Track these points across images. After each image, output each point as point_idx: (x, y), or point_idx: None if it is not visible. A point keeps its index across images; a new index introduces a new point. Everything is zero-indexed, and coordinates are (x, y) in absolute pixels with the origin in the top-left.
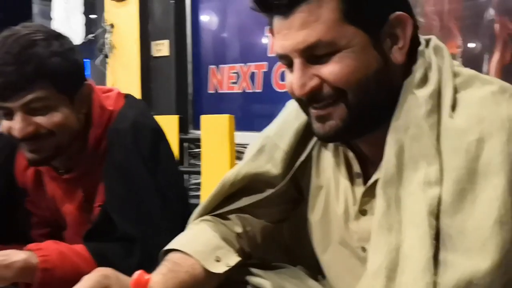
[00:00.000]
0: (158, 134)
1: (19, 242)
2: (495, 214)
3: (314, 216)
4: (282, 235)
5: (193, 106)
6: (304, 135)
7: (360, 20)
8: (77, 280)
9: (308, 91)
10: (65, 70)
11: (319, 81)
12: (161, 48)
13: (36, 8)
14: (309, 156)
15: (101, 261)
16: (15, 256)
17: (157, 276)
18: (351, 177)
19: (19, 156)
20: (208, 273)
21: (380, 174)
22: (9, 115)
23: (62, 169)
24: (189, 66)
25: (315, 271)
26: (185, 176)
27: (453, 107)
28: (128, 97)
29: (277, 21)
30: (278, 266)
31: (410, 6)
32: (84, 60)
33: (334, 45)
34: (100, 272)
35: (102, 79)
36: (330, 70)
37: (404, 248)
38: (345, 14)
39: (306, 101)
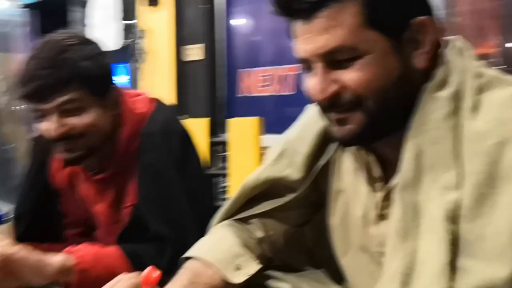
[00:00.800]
0: (187, 138)
1: (53, 241)
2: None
3: (334, 220)
4: (305, 239)
5: (223, 109)
6: (325, 140)
7: (382, 25)
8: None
9: (328, 96)
10: (96, 73)
11: (339, 86)
12: (193, 52)
13: (71, 16)
14: (330, 160)
15: (135, 261)
16: (53, 258)
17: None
18: (371, 181)
19: (54, 159)
20: (227, 283)
21: (398, 179)
22: (43, 117)
23: (94, 169)
24: (221, 70)
25: (338, 275)
26: (216, 179)
27: (474, 109)
28: (157, 101)
29: (298, 25)
30: (300, 269)
31: (432, 10)
32: (123, 64)
33: (356, 50)
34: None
35: (136, 83)
36: (351, 76)
37: (420, 253)
38: (366, 19)
39: (326, 106)
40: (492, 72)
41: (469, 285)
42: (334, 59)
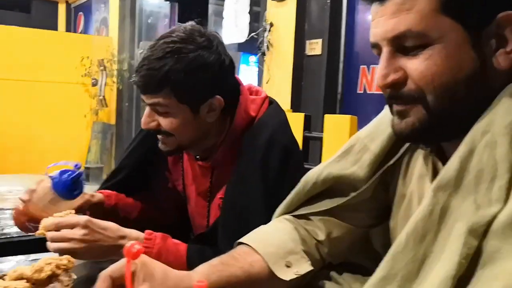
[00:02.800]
0: (290, 151)
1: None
2: None
3: (393, 224)
4: (375, 241)
5: (341, 105)
6: (397, 140)
7: (460, 13)
8: None
9: (389, 83)
10: (188, 85)
11: (403, 74)
12: (315, 47)
13: (211, 8)
14: (399, 163)
15: (192, 265)
16: (130, 234)
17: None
18: None
19: None
20: (272, 276)
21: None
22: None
23: (198, 155)
24: (341, 66)
25: None
26: None
27: None
28: (271, 104)
29: (374, 7)
30: (363, 272)
31: None
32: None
33: (425, 37)
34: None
35: (260, 75)
36: (416, 66)
37: (429, 261)
38: (442, 4)
39: (388, 96)
40: None
41: None
42: (402, 45)
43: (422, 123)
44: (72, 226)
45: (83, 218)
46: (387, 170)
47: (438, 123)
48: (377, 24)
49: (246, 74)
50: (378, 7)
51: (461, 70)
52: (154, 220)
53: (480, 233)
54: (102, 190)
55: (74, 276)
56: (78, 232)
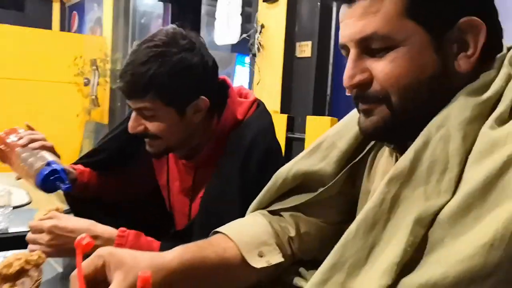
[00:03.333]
0: (271, 155)
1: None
2: (489, 235)
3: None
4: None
5: (330, 107)
6: (364, 138)
7: (424, 18)
8: None
9: (355, 83)
10: (173, 87)
11: (369, 75)
12: (305, 49)
13: (204, 9)
14: (365, 160)
15: None
16: (104, 231)
17: (179, 247)
18: None
19: None
20: (244, 264)
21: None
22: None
23: (182, 156)
24: (330, 68)
25: None
26: None
27: (501, 120)
28: (258, 107)
29: (342, 9)
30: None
31: (492, 10)
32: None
33: (391, 39)
34: (96, 254)
35: (251, 77)
36: (381, 67)
37: (378, 249)
38: (407, 8)
39: (354, 95)
40: None
41: (412, 283)
42: (369, 47)
43: (386, 122)
44: (40, 231)
45: (47, 224)
46: (354, 166)
47: (401, 123)
48: (345, 26)
49: (242, 74)
50: (347, 9)
51: (424, 72)
52: (130, 210)
53: (427, 223)
54: (77, 166)
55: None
56: (44, 238)
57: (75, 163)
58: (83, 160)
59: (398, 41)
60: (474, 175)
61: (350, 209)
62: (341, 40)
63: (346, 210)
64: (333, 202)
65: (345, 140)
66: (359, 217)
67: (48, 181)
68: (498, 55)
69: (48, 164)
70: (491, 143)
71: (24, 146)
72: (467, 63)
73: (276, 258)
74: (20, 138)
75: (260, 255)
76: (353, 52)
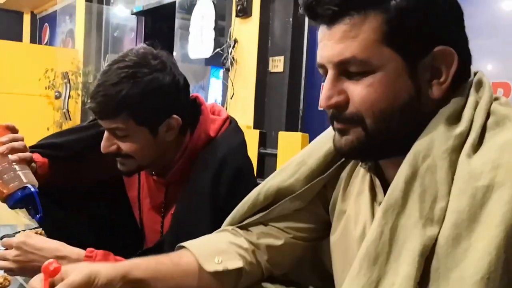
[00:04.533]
0: (241, 174)
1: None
2: (484, 269)
3: (334, 239)
4: (322, 257)
5: (302, 122)
6: (334, 157)
7: (400, 46)
8: None
9: (332, 104)
10: (146, 107)
11: (346, 97)
12: (278, 64)
13: (178, 22)
14: (337, 179)
15: None
16: (71, 252)
17: (136, 259)
18: (374, 205)
19: None
20: (200, 270)
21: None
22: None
23: (153, 173)
24: (302, 83)
25: None
26: None
27: (475, 148)
28: (230, 124)
29: (321, 29)
30: (304, 285)
31: (464, 39)
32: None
33: (368, 64)
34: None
35: (225, 91)
36: (358, 91)
37: (384, 283)
38: (385, 36)
39: (330, 115)
40: (505, 111)
41: None
42: (347, 70)
43: (360, 142)
44: (9, 247)
45: (16, 240)
46: (325, 185)
47: (374, 143)
48: (324, 47)
49: (216, 87)
50: (326, 31)
51: (398, 97)
52: (99, 228)
53: (428, 253)
54: (35, 155)
55: None
56: (11, 253)
57: (34, 147)
58: (46, 151)
59: (375, 66)
60: (459, 205)
61: (321, 228)
62: (319, 60)
63: (317, 228)
64: (302, 218)
65: (315, 158)
66: (361, 252)
67: (20, 204)
68: (464, 82)
69: (24, 188)
70: (469, 174)
71: (3, 155)
72: (439, 90)
73: (234, 263)
74: (1, 143)
75: (218, 262)
76: (331, 73)
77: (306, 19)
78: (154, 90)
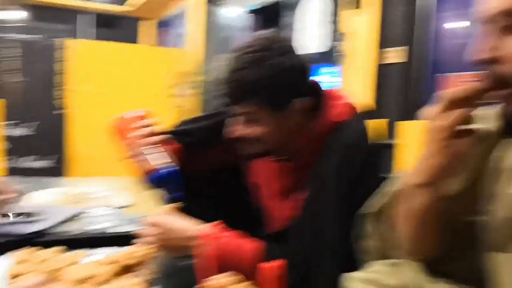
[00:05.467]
0: (369, 159)
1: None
2: None
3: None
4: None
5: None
6: None
7: None
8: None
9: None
10: (273, 92)
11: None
12: (393, 55)
13: (284, 20)
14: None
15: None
16: (196, 230)
17: None
18: None
19: None
20: None
21: None
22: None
23: (279, 159)
24: (419, 74)
25: None
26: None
27: None
28: (356, 111)
29: None
30: None
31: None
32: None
33: None
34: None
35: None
36: None
37: None
38: None
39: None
40: None
41: None
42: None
43: None
44: (150, 225)
45: (152, 219)
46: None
47: None
48: None
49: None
50: None
51: None
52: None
53: None
54: (170, 143)
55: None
56: (152, 231)
57: (167, 133)
58: (180, 137)
59: None
60: None
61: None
62: (485, 11)
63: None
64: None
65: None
66: None
67: (164, 180)
68: None
69: (170, 165)
70: None
71: (144, 137)
72: None
73: None
74: (143, 126)
75: None
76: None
77: (428, 8)
78: (280, 73)
